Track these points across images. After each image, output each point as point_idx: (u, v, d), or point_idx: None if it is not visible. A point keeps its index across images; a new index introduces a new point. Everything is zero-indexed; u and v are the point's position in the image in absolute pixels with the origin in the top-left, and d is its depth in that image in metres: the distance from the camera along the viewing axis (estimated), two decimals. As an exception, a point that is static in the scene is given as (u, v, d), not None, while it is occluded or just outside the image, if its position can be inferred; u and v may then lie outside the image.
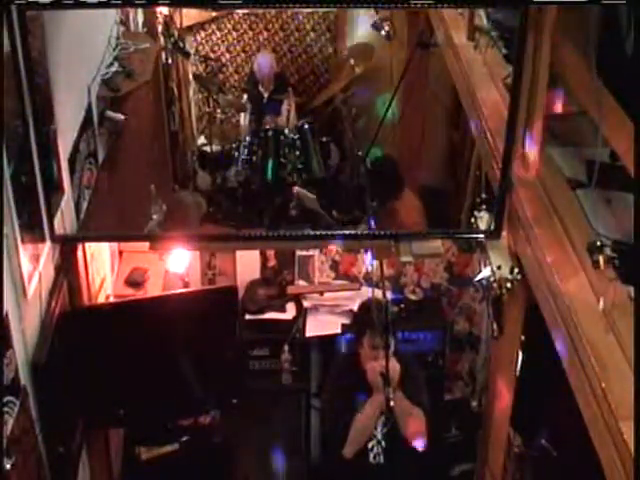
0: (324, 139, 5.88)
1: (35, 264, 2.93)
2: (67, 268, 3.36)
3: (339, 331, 5.02)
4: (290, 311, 5.24)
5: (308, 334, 5.10)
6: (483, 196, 3.48)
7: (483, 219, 3.35)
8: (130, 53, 4.27)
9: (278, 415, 4.98)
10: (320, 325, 5.14)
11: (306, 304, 5.26)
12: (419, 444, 3.79)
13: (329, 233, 3.86)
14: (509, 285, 3.14)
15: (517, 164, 3.09)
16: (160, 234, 3.91)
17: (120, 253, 4.68)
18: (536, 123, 2.96)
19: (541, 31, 2.82)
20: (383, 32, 5.39)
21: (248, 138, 5.85)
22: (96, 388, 3.42)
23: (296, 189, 5.44)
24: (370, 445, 3.83)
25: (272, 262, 5.39)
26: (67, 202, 3.29)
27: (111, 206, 4.00)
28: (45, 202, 3.03)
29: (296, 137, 5.71)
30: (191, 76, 6.36)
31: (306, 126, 5.78)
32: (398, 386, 3.72)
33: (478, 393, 5.10)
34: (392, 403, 3.55)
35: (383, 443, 3.83)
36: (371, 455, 3.84)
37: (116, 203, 4.11)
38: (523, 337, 3.57)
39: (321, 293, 5.30)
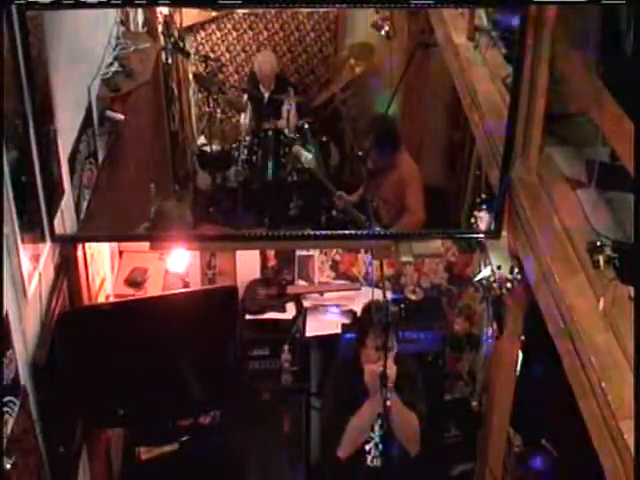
0: (324, 139, 5.87)
1: (35, 264, 2.93)
2: (67, 268, 3.36)
3: (339, 331, 5.01)
4: (290, 311, 5.23)
5: (308, 334, 5.09)
6: (483, 196, 3.49)
7: (483, 219, 3.35)
8: (130, 53, 4.26)
9: (278, 415, 4.98)
10: (320, 325, 5.14)
11: (306, 304, 5.26)
12: (412, 450, 3.78)
13: (329, 233, 3.85)
14: (509, 285, 3.14)
15: (517, 164, 3.09)
16: (160, 234, 3.90)
17: (120, 253, 4.68)
18: (536, 123, 2.97)
19: (541, 31, 2.82)
20: (383, 32, 5.39)
21: (248, 138, 5.84)
22: (96, 388, 3.42)
23: (295, 147, 5.45)
24: (367, 448, 3.81)
25: (272, 262, 5.38)
26: (67, 202, 3.29)
27: (111, 206, 4.00)
28: (45, 202, 3.03)
29: (296, 137, 5.71)
30: (191, 76, 6.36)
31: (306, 126, 5.78)
32: (395, 388, 3.70)
33: (478, 393, 5.10)
34: (388, 403, 3.54)
35: (381, 446, 3.81)
36: (369, 458, 3.82)
37: (116, 203, 4.11)
38: (523, 337, 3.58)
39: (321, 293, 5.30)
